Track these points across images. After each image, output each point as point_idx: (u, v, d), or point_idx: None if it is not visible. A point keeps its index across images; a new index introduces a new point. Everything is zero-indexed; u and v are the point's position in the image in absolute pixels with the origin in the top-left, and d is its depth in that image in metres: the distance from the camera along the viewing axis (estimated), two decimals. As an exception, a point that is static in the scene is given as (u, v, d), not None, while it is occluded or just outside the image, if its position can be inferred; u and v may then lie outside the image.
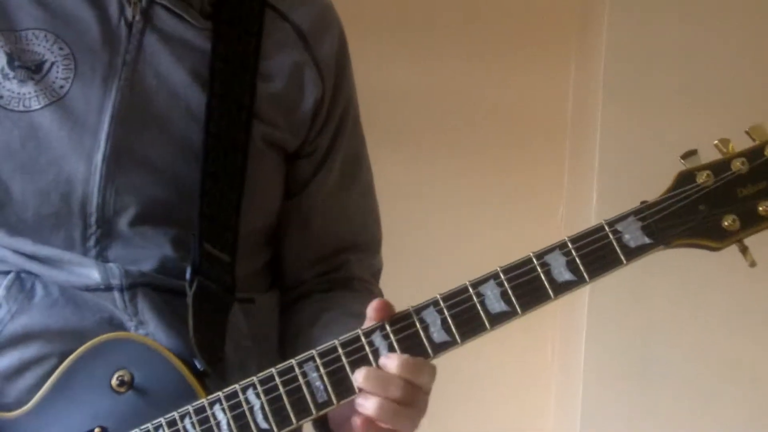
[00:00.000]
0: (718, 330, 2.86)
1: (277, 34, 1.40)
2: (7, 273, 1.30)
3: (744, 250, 1.21)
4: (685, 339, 2.87)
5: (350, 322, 1.27)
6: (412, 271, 2.91)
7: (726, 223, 1.19)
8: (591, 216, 2.83)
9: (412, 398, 1.19)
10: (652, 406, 2.87)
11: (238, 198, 1.34)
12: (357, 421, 1.19)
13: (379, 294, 1.50)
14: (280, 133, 1.39)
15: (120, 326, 1.28)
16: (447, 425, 3.21)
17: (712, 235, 1.19)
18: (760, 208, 1.19)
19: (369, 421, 1.19)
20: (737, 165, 1.20)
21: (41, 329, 1.27)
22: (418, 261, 3.07)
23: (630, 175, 2.70)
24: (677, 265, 2.80)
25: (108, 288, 1.28)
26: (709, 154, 1.22)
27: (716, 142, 1.22)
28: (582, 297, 2.89)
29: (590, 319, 2.89)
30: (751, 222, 1.19)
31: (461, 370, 3.18)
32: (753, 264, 1.20)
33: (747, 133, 1.22)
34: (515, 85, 3.24)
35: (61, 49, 1.31)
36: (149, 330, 1.28)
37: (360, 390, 1.19)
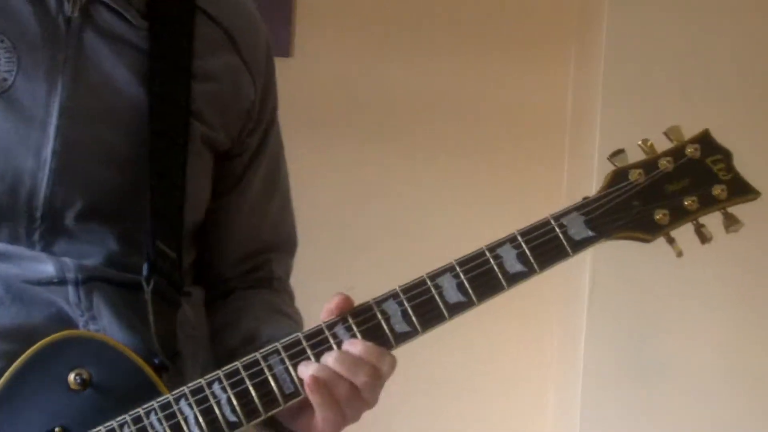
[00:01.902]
0: (718, 330, 2.90)
1: (208, 35, 1.42)
2: None
3: (671, 241, 1.32)
4: (685, 339, 2.90)
5: (280, 319, 1.35)
6: (411, 271, 2.89)
7: (658, 217, 1.30)
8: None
9: (373, 385, 1.24)
10: (651, 406, 2.90)
11: (182, 196, 1.36)
12: (316, 397, 1.23)
13: (292, 293, 1.56)
14: (215, 134, 1.41)
15: (69, 321, 1.28)
16: (447, 425, 3.28)
17: (645, 229, 1.30)
18: (686, 203, 1.31)
19: (327, 397, 1.22)
20: (664, 164, 1.32)
21: None
22: (417, 261, 3.01)
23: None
24: (677, 265, 2.85)
25: (62, 282, 1.28)
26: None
27: (639, 142, 1.34)
28: (581, 297, 2.92)
29: (590, 318, 2.91)
30: (679, 215, 1.31)
31: (461, 370, 3.26)
32: (680, 254, 1.31)
33: (665, 134, 1.35)
34: (515, 85, 3.26)
35: (2, 41, 1.29)
36: (102, 325, 1.28)
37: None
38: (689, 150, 1.33)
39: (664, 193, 1.31)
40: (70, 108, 1.29)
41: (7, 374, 1.24)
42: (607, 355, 2.95)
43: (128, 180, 1.32)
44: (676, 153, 1.33)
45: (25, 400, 1.24)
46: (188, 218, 1.38)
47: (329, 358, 1.23)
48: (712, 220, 1.33)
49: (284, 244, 1.56)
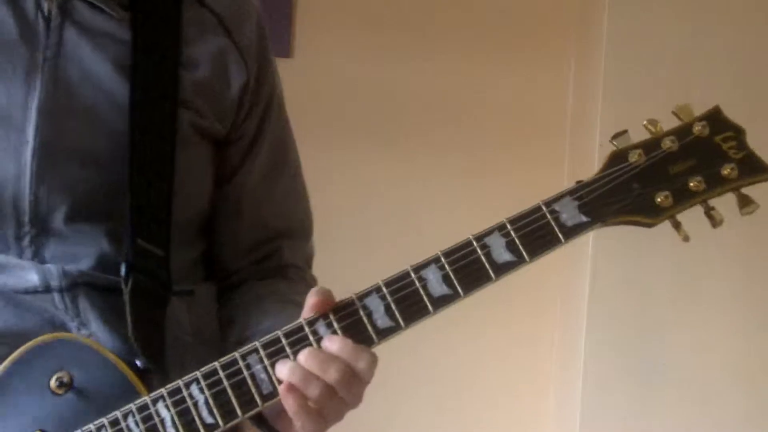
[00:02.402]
0: (719, 330, 2.87)
1: (197, 21, 1.39)
2: None
3: (677, 225, 1.23)
4: (685, 339, 2.87)
5: (288, 309, 1.27)
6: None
7: (659, 200, 1.21)
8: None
9: (348, 384, 1.19)
10: (651, 406, 2.87)
11: (169, 189, 1.32)
12: (290, 402, 1.18)
13: (312, 281, 1.49)
14: (207, 121, 1.37)
15: (62, 327, 1.26)
16: (447, 425, 3.25)
17: (646, 212, 1.22)
18: (691, 184, 1.22)
19: (302, 403, 1.18)
20: (667, 143, 1.23)
21: None
22: (416, 261, 3.00)
23: None
24: (677, 265, 2.84)
25: (47, 290, 1.26)
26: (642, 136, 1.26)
27: (645, 122, 1.25)
28: (582, 296, 2.89)
29: (590, 318, 2.89)
30: (683, 197, 1.22)
31: (461, 371, 3.23)
32: (686, 239, 1.22)
33: (674, 113, 1.26)
34: (515, 85, 3.26)
35: None
36: (92, 330, 1.26)
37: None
38: (697, 128, 1.24)
39: (666, 174, 1.22)
40: (48, 108, 1.28)
41: (-8, 378, 1.24)
42: (607, 355, 2.91)
43: (111, 178, 1.30)
44: (682, 132, 1.24)
45: (9, 403, 1.23)
46: (181, 212, 1.35)
47: (301, 356, 1.18)
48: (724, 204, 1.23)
49: (296, 230, 1.50)
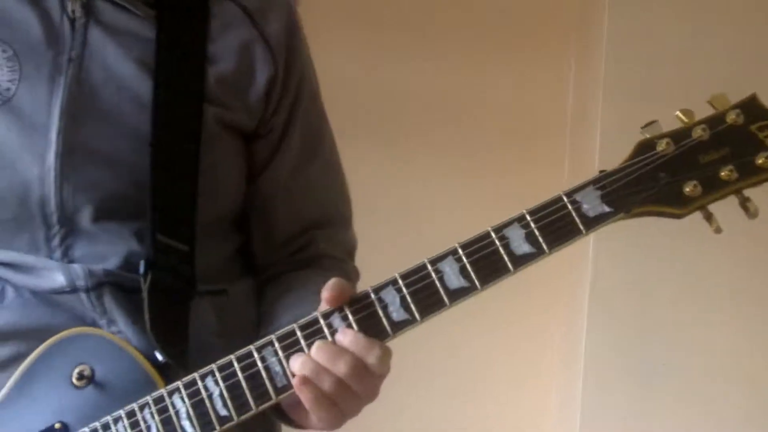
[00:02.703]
0: (719, 330, 2.85)
1: (223, 14, 1.39)
2: None
3: (708, 216, 1.17)
4: (686, 339, 2.86)
5: (316, 301, 1.24)
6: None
7: (687, 189, 1.16)
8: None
9: (359, 377, 1.17)
10: (651, 406, 2.85)
11: (193, 185, 1.32)
12: (305, 394, 1.16)
13: (353, 272, 1.47)
14: (235, 115, 1.37)
15: (93, 325, 1.27)
16: (448, 424, 3.22)
17: (673, 202, 1.17)
18: (722, 173, 1.16)
19: (316, 395, 1.16)
20: (698, 132, 1.18)
21: (15, 329, 1.27)
22: (416, 260, 2.97)
23: None
24: (678, 265, 2.81)
25: (73, 290, 1.27)
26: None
27: (678, 112, 1.20)
28: (582, 297, 2.88)
29: (591, 318, 2.87)
30: (713, 187, 1.16)
31: (462, 370, 3.21)
32: (718, 230, 1.16)
33: (709, 102, 1.21)
34: (515, 85, 3.25)
35: (4, 51, 1.31)
36: (120, 328, 1.27)
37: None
38: (731, 116, 1.19)
39: (696, 163, 1.17)
40: (71, 110, 1.29)
41: (18, 371, 1.26)
42: (607, 355, 2.88)
43: (135, 178, 1.30)
44: (714, 120, 1.19)
45: (31, 396, 1.25)
46: (209, 208, 1.34)
47: (312, 349, 1.17)
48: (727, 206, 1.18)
49: (331, 219, 1.48)
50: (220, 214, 1.39)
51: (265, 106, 1.39)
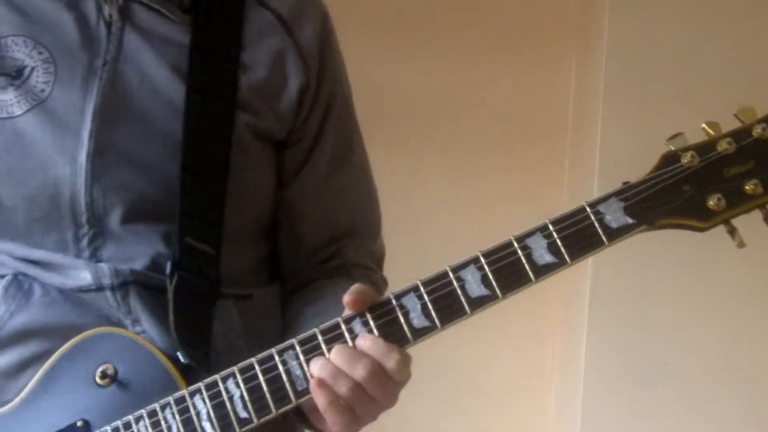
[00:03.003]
0: (719, 330, 2.85)
1: (258, 22, 1.40)
2: (4, 275, 1.31)
3: (732, 231, 1.17)
4: (686, 339, 2.86)
5: (344, 310, 1.24)
6: (411, 272, 2.86)
7: (711, 203, 1.16)
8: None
9: (378, 382, 1.17)
10: (652, 407, 2.85)
11: (222, 190, 1.33)
12: (320, 398, 1.17)
13: (381, 281, 1.47)
14: (266, 122, 1.38)
15: (119, 324, 1.28)
16: (447, 425, 3.22)
17: (697, 215, 1.17)
18: (747, 187, 1.16)
19: (332, 399, 1.17)
20: (723, 145, 1.18)
21: (41, 326, 1.28)
22: (417, 261, 2.97)
23: (631, 174, 2.62)
24: (678, 266, 2.81)
25: (99, 288, 1.28)
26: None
27: (704, 125, 1.20)
28: (583, 297, 2.88)
29: (591, 319, 2.87)
30: (737, 201, 1.16)
31: (462, 370, 3.20)
32: (742, 245, 1.16)
33: (736, 116, 1.20)
34: (516, 85, 3.24)
35: (40, 53, 1.32)
36: (144, 327, 1.28)
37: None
38: (757, 130, 1.19)
39: (721, 176, 1.17)
40: (104, 112, 1.31)
41: (42, 369, 1.27)
42: (608, 355, 2.88)
43: (165, 181, 1.31)
44: (740, 134, 1.19)
45: (55, 394, 1.26)
46: (238, 214, 1.35)
47: (332, 353, 1.17)
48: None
49: (360, 229, 1.49)
50: (247, 220, 1.40)
51: (296, 114, 1.40)
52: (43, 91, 1.31)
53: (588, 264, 2.80)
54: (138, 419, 1.22)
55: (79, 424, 1.24)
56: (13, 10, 1.35)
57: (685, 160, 1.18)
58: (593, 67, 3.02)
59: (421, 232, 3.10)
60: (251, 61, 1.38)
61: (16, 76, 1.32)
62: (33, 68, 1.32)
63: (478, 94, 3.27)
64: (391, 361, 1.17)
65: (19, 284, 1.30)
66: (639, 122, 2.76)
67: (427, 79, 3.27)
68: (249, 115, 1.36)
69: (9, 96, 1.31)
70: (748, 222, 1.18)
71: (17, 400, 1.27)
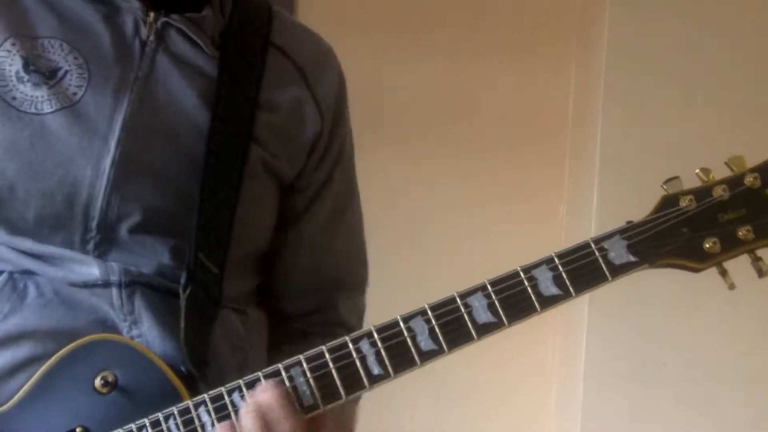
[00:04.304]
0: (718, 330, 2.87)
1: (279, 69, 1.46)
2: (2, 272, 1.31)
3: (723, 273, 1.25)
4: (686, 339, 2.88)
5: None
6: (412, 270, 2.92)
7: (707, 246, 1.23)
8: (591, 215, 2.85)
9: None
10: (652, 407, 2.87)
11: (232, 214, 1.37)
12: None
13: None
14: (278, 162, 1.43)
15: (113, 327, 1.29)
16: (448, 425, 3.26)
17: (694, 257, 1.24)
18: (740, 233, 1.23)
19: None
20: (719, 191, 1.25)
21: (34, 329, 1.28)
22: (418, 260, 3.06)
23: (631, 174, 2.72)
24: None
25: (106, 284, 1.29)
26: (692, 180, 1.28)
27: (698, 171, 1.27)
28: (583, 297, 2.89)
29: (591, 319, 2.90)
30: (731, 245, 1.23)
31: (462, 371, 3.21)
32: (732, 287, 1.24)
33: (726, 164, 1.27)
34: (516, 85, 3.28)
35: (76, 58, 1.35)
36: (142, 330, 1.29)
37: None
38: (748, 179, 1.26)
39: (716, 221, 1.24)
40: (132, 123, 1.33)
41: (39, 372, 1.26)
42: (608, 356, 2.91)
43: (181, 197, 1.34)
44: (734, 181, 1.26)
45: (53, 398, 1.26)
46: (240, 240, 1.39)
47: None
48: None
49: (351, 282, 1.56)
50: (248, 250, 1.44)
51: (306, 160, 1.46)
52: (75, 94, 1.33)
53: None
54: (140, 428, 1.23)
55: (78, 430, 1.24)
56: (54, 15, 1.37)
57: (684, 204, 1.24)
58: (593, 66, 3.04)
59: (421, 231, 3.13)
60: (270, 103, 1.43)
61: (50, 76, 1.33)
62: (67, 71, 1.34)
63: (478, 94, 3.30)
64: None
65: (14, 284, 1.30)
66: (639, 122, 2.77)
67: (428, 78, 3.30)
68: (263, 151, 1.41)
69: (41, 93, 1.32)
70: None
71: (11, 402, 1.26)
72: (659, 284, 2.84)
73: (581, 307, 2.93)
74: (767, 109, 2.63)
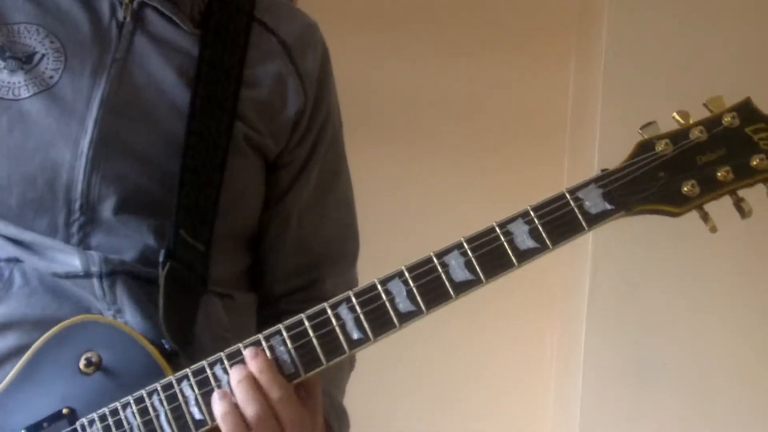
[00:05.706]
0: (718, 330, 2.85)
1: (263, 45, 1.45)
2: None
3: (705, 216, 1.22)
4: (684, 339, 2.86)
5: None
6: None
7: (685, 189, 1.20)
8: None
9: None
10: (651, 406, 2.86)
11: (216, 193, 1.36)
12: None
13: None
14: (261, 137, 1.42)
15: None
16: (447, 423, 3.24)
17: (672, 201, 1.21)
18: (719, 174, 1.20)
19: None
20: (696, 133, 1.22)
21: (20, 318, 1.29)
22: (417, 257, 3.00)
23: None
24: (678, 265, 2.81)
25: (87, 275, 1.29)
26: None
27: (675, 114, 1.24)
28: (581, 296, 2.88)
29: (589, 318, 2.88)
30: (710, 187, 1.20)
31: (461, 370, 3.23)
32: (714, 229, 1.21)
33: (705, 105, 1.25)
34: (515, 84, 3.27)
35: (52, 42, 1.35)
36: (126, 318, 1.29)
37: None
38: (726, 119, 1.23)
39: (694, 164, 1.21)
40: (110, 104, 1.33)
41: (24, 357, 1.27)
42: (606, 354, 2.89)
43: (162, 176, 1.34)
44: (711, 122, 1.23)
45: (38, 382, 1.26)
46: (227, 217, 1.38)
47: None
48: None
49: (339, 256, 1.55)
50: (235, 229, 1.43)
51: (290, 136, 1.45)
52: (51, 77, 1.33)
53: (587, 261, 2.85)
54: (125, 406, 1.23)
55: (64, 411, 1.24)
56: (29, 1, 1.38)
57: (660, 148, 1.22)
58: (592, 65, 3.03)
59: (419, 231, 3.10)
60: (253, 79, 1.42)
61: (26, 60, 1.34)
62: (43, 55, 1.35)
63: (477, 93, 3.29)
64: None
65: (0, 272, 1.31)
66: (638, 121, 2.71)
67: (427, 77, 3.29)
68: (247, 127, 1.40)
69: (18, 79, 1.33)
70: (748, 224, 1.22)
71: (-1, 388, 1.27)
72: (658, 283, 2.85)
73: (580, 305, 2.91)
74: (767, 109, 2.59)
